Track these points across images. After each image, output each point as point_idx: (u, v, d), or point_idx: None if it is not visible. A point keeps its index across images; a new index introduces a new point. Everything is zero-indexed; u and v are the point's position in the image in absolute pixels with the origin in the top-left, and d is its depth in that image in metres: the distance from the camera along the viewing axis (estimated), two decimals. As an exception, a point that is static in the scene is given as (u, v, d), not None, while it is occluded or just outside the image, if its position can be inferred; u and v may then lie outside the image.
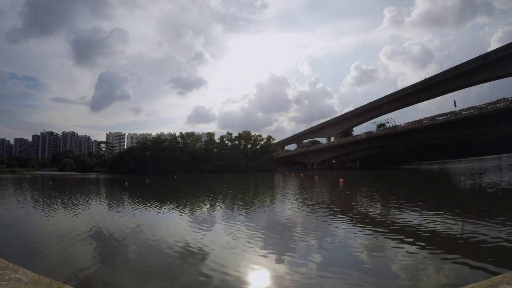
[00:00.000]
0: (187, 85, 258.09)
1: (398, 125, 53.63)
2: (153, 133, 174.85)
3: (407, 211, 9.92)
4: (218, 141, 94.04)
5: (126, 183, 33.10)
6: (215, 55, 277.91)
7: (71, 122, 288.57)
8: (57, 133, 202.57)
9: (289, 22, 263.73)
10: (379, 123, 63.39)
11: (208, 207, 13.59)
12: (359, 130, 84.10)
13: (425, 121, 47.25)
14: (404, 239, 6.50)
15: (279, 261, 5.44)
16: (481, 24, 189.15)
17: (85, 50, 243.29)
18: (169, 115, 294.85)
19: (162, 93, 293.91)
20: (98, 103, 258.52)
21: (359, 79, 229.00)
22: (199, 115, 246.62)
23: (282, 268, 5.06)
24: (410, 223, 8.08)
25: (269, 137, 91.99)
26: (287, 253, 5.85)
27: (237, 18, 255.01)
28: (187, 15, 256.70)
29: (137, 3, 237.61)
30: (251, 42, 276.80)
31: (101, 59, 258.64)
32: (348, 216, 9.62)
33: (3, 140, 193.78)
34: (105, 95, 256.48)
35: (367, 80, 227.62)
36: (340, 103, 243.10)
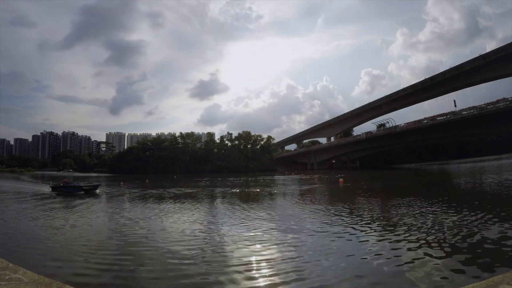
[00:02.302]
0: (202, 91, 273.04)
1: (398, 125, 53.57)
2: (153, 133, 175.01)
3: (406, 211, 9.92)
4: (218, 141, 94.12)
5: (122, 183, 33.16)
6: (212, 59, 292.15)
7: (92, 123, 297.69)
8: (57, 133, 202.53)
9: (284, 29, 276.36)
10: (379, 123, 63.30)
11: (211, 206, 13.59)
12: (359, 130, 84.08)
13: (425, 121, 47.21)
14: (404, 239, 6.51)
15: (283, 259, 5.44)
16: (484, 45, 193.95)
17: (119, 56, 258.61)
18: (179, 118, 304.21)
19: (176, 98, 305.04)
20: (117, 106, 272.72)
21: (371, 84, 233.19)
22: (208, 119, 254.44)
23: (285, 266, 5.06)
24: (410, 223, 8.09)
25: (269, 137, 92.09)
26: (290, 252, 5.86)
27: (234, 27, 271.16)
28: (189, 25, 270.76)
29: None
30: (248, 48, 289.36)
31: (126, 66, 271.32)
32: (347, 215, 9.62)
33: (3, 140, 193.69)
34: (125, 99, 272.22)
35: (377, 85, 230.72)
36: (348, 106, 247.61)
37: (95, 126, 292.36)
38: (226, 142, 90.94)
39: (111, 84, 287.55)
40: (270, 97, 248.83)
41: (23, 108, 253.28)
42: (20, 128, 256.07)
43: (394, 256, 5.48)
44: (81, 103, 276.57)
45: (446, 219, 8.39)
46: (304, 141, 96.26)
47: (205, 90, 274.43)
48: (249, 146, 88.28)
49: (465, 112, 40.33)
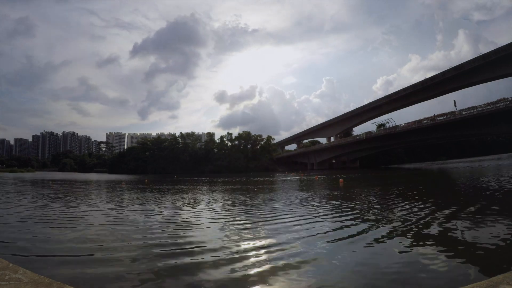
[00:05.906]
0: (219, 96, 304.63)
1: (398, 125, 53.63)
2: (153, 133, 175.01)
3: (406, 211, 9.91)
4: (218, 141, 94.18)
5: (123, 183, 33.37)
6: (209, 65, 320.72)
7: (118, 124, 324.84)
8: (57, 133, 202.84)
9: (279, 39, 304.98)
10: (379, 123, 63.36)
11: (210, 205, 13.58)
12: (359, 130, 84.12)
13: (425, 121, 47.24)
14: (403, 239, 6.50)
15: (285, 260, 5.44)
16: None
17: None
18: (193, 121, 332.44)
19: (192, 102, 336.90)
20: (145, 110, 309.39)
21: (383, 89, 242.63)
22: (218, 123, 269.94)
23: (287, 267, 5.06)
24: (409, 223, 8.08)
25: (269, 137, 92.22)
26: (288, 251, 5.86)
27: (232, 40, 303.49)
28: (191, 34, 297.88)
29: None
30: (246, 56, 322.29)
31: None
32: (348, 215, 9.62)
33: (3, 140, 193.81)
34: (152, 104, 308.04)
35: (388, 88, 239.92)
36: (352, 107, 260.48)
37: (141, 129, 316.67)
38: (226, 142, 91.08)
39: (141, 88, 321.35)
40: (275, 99, 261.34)
41: (25, 109, 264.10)
42: (23, 128, 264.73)
43: (393, 256, 5.48)
44: (101, 104, 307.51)
45: (445, 218, 8.38)
46: (304, 141, 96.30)
47: (220, 96, 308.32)
48: (249, 146, 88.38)
49: (465, 112, 40.36)
